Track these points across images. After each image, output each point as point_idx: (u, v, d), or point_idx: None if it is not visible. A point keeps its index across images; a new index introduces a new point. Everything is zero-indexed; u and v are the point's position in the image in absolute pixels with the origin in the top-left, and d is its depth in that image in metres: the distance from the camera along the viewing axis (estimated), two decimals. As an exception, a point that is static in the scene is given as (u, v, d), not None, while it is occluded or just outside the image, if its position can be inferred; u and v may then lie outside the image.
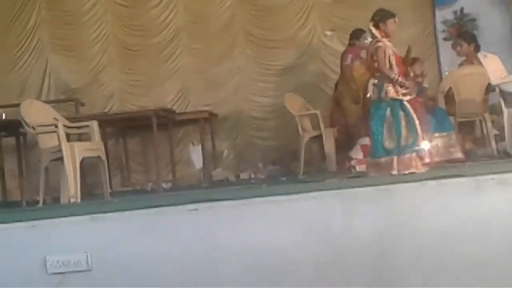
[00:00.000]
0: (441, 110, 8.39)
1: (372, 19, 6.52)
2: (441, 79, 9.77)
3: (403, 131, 6.29)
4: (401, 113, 6.32)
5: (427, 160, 6.25)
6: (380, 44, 6.40)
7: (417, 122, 6.28)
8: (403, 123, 6.30)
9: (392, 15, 6.49)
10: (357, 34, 9.06)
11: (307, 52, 10.87)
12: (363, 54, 8.67)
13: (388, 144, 6.33)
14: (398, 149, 6.26)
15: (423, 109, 6.55)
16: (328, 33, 10.83)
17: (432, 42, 10.57)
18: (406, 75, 6.56)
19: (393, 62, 6.37)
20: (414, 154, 6.22)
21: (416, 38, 10.40)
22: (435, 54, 10.51)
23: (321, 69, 10.76)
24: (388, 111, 6.35)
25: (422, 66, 9.00)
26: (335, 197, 4.48)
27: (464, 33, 9.44)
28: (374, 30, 6.48)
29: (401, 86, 6.33)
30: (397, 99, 6.32)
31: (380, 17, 6.49)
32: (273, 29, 10.98)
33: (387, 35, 6.46)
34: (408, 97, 6.33)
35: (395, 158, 6.23)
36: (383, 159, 6.32)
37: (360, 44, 8.94)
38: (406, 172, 6.09)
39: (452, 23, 10.55)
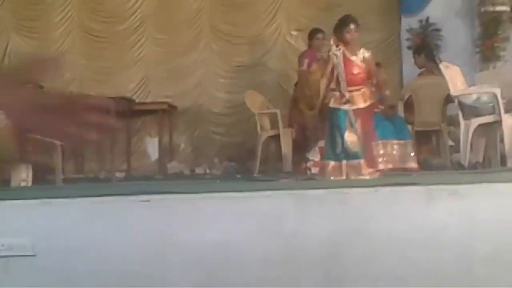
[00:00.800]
0: (400, 118, 8.46)
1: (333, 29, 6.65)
2: (402, 87, 9.82)
3: (347, 139, 6.38)
4: (347, 121, 6.42)
5: (377, 167, 6.34)
6: (329, 54, 6.56)
7: (359, 131, 6.37)
8: (347, 130, 6.40)
9: (346, 24, 6.55)
10: (311, 35, 9.10)
11: (271, 51, 10.90)
12: (319, 55, 8.74)
13: (338, 149, 6.41)
14: (346, 155, 6.34)
15: (370, 119, 6.61)
16: (294, 33, 10.84)
17: (396, 49, 10.64)
18: (361, 83, 6.59)
19: (342, 72, 6.44)
20: (362, 161, 6.29)
21: (380, 44, 10.48)
22: (398, 62, 10.57)
23: (284, 69, 10.77)
24: (335, 117, 6.46)
25: (384, 73, 9.05)
26: (289, 197, 4.47)
27: (418, 46, 9.56)
28: (332, 40, 6.58)
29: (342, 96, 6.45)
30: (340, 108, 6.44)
31: (336, 27, 6.59)
32: (240, 25, 10.97)
33: (346, 43, 6.54)
34: (350, 107, 6.41)
35: (343, 163, 6.32)
36: (332, 163, 6.40)
37: (315, 44, 8.98)
38: (354, 177, 6.17)
39: (417, 32, 10.63)
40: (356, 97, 6.45)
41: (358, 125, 6.38)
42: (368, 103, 6.51)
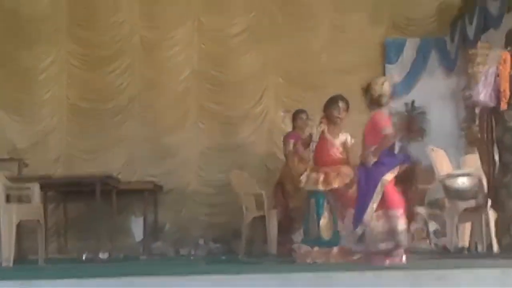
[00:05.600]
0: None
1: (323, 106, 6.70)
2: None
3: (323, 223, 6.33)
4: (326, 205, 6.37)
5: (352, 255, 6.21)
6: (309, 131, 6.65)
7: (337, 216, 6.30)
8: (325, 214, 6.34)
9: (334, 102, 6.63)
10: (295, 115, 9.18)
11: (258, 131, 10.93)
12: (303, 135, 8.78)
13: (311, 233, 6.38)
14: (318, 240, 6.30)
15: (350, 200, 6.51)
16: (281, 113, 10.90)
17: (381, 131, 10.65)
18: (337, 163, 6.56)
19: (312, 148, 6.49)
20: (335, 249, 6.23)
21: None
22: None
23: (271, 149, 10.80)
24: (312, 201, 6.43)
25: None
26: (273, 280, 4.43)
27: None
28: (320, 116, 6.64)
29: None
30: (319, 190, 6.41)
31: (325, 104, 6.67)
32: (227, 104, 11.02)
33: (331, 122, 6.61)
34: (324, 187, 6.38)
35: (315, 249, 6.28)
36: (304, 247, 6.37)
37: (299, 124, 9.03)
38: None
39: (403, 114, 10.72)
40: (333, 178, 6.42)
41: (340, 207, 6.34)
42: (344, 184, 6.47)
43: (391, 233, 5.87)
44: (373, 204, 5.90)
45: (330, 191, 6.44)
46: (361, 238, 5.97)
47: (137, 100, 11.05)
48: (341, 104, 6.66)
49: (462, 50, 10.32)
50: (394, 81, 9.07)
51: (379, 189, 5.89)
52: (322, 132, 6.65)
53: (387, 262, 5.67)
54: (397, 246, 5.83)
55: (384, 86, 6.19)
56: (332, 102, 6.72)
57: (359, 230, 5.93)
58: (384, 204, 5.93)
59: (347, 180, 6.48)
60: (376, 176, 5.94)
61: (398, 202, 5.97)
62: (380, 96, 6.16)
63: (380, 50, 11.09)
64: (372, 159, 5.96)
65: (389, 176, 5.95)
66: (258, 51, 11.13)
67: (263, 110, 11.05)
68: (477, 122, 6.30)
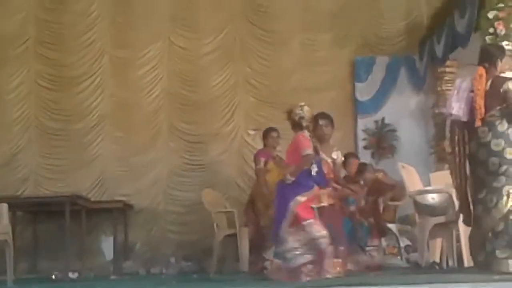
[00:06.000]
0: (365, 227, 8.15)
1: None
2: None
3: None
4: None
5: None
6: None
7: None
8: None
9: (316, 120, 6.70)
10: (266, 133, 9.14)
11: (229, 149, 10.94)
12: (274, 153, 8.79)
13: None
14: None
15: (340, 221, 6.59)
16: (251, 132, 10.89)
17: (352, 149, 10.67)
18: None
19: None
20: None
21: (337, 144, 10.50)
22: (354, 162, 10.65)
23: (242, 167, 10.79)
24: None
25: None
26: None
27: None
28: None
29: None
30: None
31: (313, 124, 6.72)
32: (198, 123, 11.01)
33: (319, 140, 6.70)
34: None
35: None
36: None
37: (270, 142, 9.00)
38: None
39: (373, 132, 10.77)
40: (322, 195, 6.46)
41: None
42: (332, 202, 6.51)
43: (311, 242, 6.20)
44: (286, 222, 6.30)
45: (318, 209, 6.48)
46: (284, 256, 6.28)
47: (107, 119, 11.00)
48: (321, 122, 6.78)
49: (431, 68, 10.41)
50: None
51: (291, 207, 6.30)
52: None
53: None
54: (321, 254, 6.16)
55: (304, 110, 6.58)
56: (315, 122, 6.79)
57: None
58: (295, 221, 6.28)
59: (333, 201, 6.56)
60: (291, 195, 6.35)
61: (306, 214, 6.31)
62: (300, 119, 6.52)
63: (349, 69, 11.14)
64: (290, 178, 6.34)
65: (302, 198, 6.33)
66: (229, 70, 11.16)
67: (234, 128, 11.05)
68: (448, 135, 6.29)
